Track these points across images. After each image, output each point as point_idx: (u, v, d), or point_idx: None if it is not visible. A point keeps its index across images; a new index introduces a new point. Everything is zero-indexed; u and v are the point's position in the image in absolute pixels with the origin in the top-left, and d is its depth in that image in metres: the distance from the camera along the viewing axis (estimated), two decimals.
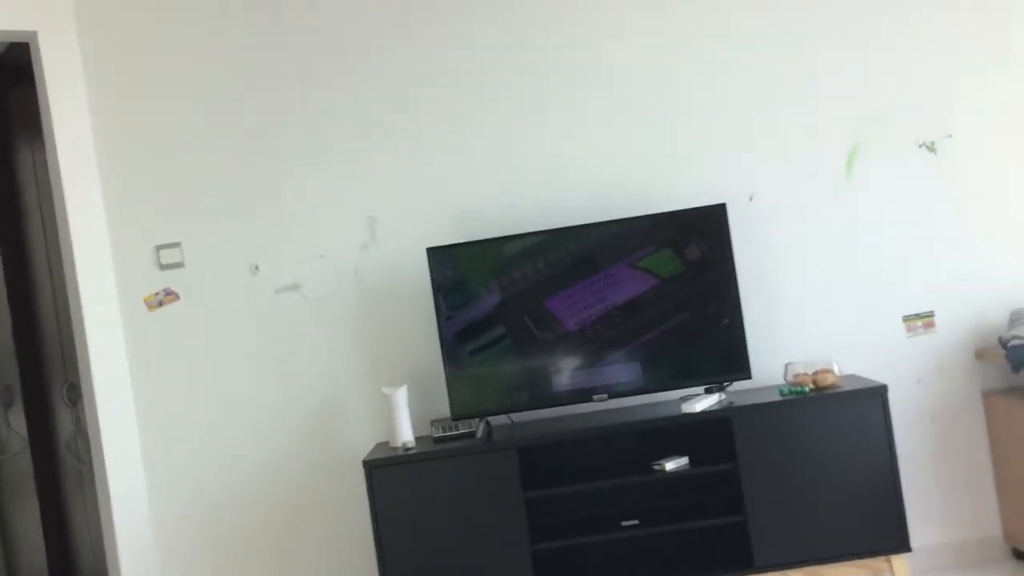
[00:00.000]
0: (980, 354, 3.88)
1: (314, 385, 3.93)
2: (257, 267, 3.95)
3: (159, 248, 3.95)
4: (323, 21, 3.94)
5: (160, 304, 3.96)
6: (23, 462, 4.68)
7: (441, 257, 3.71)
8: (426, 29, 3.93)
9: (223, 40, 3.95)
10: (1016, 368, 3.63)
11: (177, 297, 3.96)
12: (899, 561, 3.50)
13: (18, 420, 4.64)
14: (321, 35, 3.94)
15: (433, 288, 3.71)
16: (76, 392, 4.11)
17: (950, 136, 3.91)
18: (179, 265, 3.95)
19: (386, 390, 3.71)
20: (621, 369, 3.71)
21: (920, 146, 3.91)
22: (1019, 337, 3.65)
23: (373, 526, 3.50)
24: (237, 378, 3.95)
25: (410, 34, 3.94)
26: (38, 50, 3.86)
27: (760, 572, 3.49)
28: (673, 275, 3.71)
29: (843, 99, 3.90)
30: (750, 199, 3.90)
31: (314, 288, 3.94)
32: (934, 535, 3.87)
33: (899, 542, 3.49)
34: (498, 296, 3.73)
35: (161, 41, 3.95)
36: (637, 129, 3.92)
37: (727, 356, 3.67)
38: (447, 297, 3.71)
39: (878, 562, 3.51)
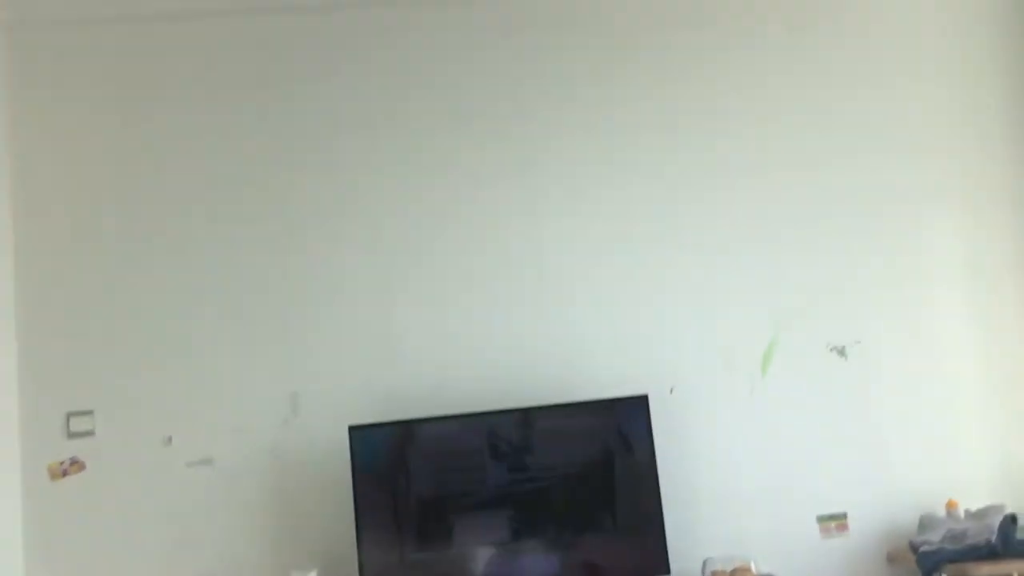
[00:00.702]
0: (892, 558, 3.91)
1: (222, 566, 3.76)
2: (171, 438, 3.85)
3: (70, 415, 3.85)
4: (254, 181, 4.03)
5: (64, 473, 3.81)
6: None
7: (362, 435, 3.67)
8: (356, 203, 4.03)
9: (147, 205, 4.00)
10: (927, 574, 3.66)
11: (83, 467, 3.82)
12: None
13: None
14: (255, 201, 4.02)
15: (352, 467, 3.65)
16: None
17: (859, 342, 4.08)
18: (89, 433, 3.84)
19: (295, 575, 3.57)
20: (539, 560, 3.64)
21: (831, 350, 4.07)
22: (929, 543, 3.70)
23: None
24: (137, 558, 3.78)
25: (342, 201, 4.03)
26: None
27: None
28: (595, 462, 3.72)
29: (759, 299, 4.06)
30: (671, 391, 3.97)
31: (228, 463, 3.84)
32: None
33: None
34: (419, 477, 3.68)
35: (84, 196, 3.99)
36: (563, 316, 4.01)
37: (646, 549, 3.64)
38: (366, 477, 3.64)
39: None
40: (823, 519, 3.95)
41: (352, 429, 3.68)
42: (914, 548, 3.75)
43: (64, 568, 3.75)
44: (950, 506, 3.86)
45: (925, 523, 3.86)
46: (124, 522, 3.79)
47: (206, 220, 4.00)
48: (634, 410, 3.74)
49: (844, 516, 3.96)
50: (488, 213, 4.07)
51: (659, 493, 3.68)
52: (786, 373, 4.03)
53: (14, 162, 3.97)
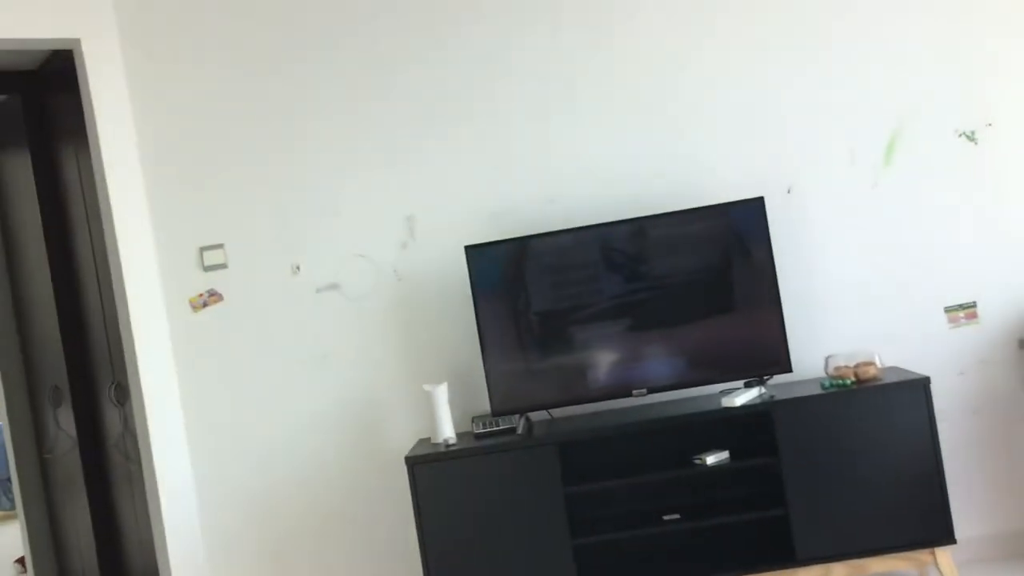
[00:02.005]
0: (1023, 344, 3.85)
1: (355, 383, 3.98)
2: (298, 267, 4.00)
3: (203, 250, 4.02)
4: (358, 25, 3.98)
5: (204, 305, 4.03)
6: (72, 460, 4.77)
7: (479, 255, 3.74)
8: (456, 30, 3.96)
9: (263, 45, 4.01)
10: None
11: (221, 298, 4.02)
12: (943, 553, 3.48)
13: (67, 420, 4.74)
14: (358, 36, 3.98)
15: (472, 285, 3.74)
16: (123, 392, 4.18)
17: (990, 125, 3.86)
18: (223, 266, 4.02)
19: (427, 387, 3.75)
20: (660, 364, 3.72)
21: (960, 135, 3.88)
22: None
23: (416, 521, 3.54)
24: (280, 377, 4.01)
25: (442, 34, 3.96)
26: (81, 57, 3.94)
27: (802, 565, 3.49)
28: (712, 268, 3.72)
29: (881, 88, 3.87)
30: (788, 192, 3.88)
31: (354, 287, 3.99)
32: (978, 527, 3.84)
33: (943, 534, 3.47)
34: (536, 292, 3.75)
35: (202, 45, 4.02)
36: (673, 123, 3.92)
37: (767, 350, 3.67)
38: (486, 294, 3.74)
39: (922, 554, 3.49)
40: (951, 309, 3.88)
41: (468, 248, 3.74)
42: None
43: (213, 391, 4.02)
44: None
45: None
46: (264, 347, 4.01)
47: (320, 46, 3.98)
48: (750, 213, 3.67)
49: (973, 304, 3.87)
50: (590, 30, 3.93)
51: (778, 294, 3.66)
52: (912, 163, 3.87)
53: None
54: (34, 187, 4.46)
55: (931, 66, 3.87)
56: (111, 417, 4.47)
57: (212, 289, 4.03)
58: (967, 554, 3.75)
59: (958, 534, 3.54)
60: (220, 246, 4.02)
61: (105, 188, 3.95)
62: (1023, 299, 3.86)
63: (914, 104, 3.87)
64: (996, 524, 3.85)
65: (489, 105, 3.96)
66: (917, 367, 3.77)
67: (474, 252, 3.74)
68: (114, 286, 4.01)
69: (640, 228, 3.72)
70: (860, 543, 3.48)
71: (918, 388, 3.49)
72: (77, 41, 3.93)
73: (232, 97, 4.02)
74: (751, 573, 3.51)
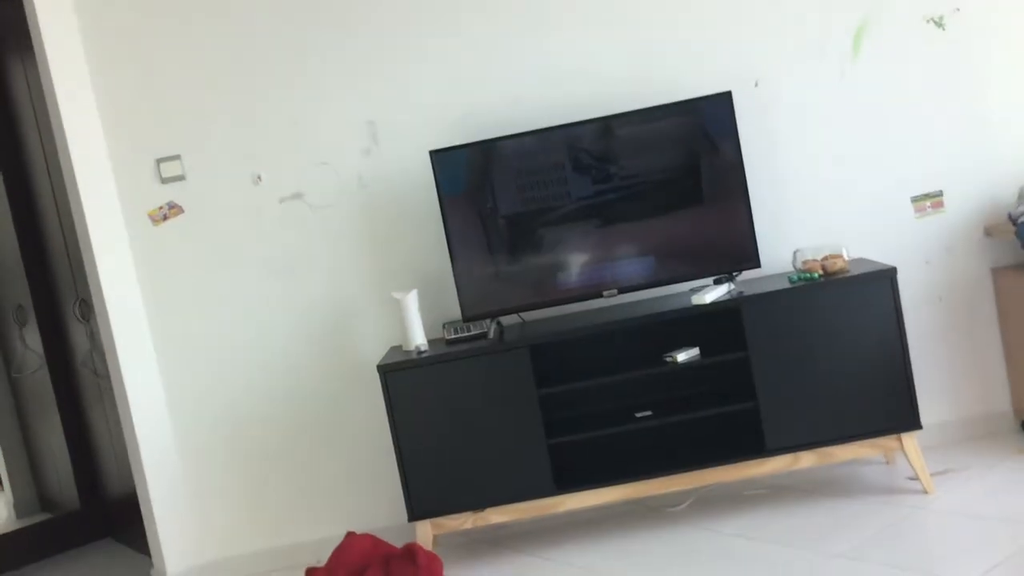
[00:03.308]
0: (989, 231, 3.87)
1: (324, 292, 3.94)
2: (259, 177, 3.92)
3: (159, 161, 3.92)
4: None
5: (165, 218, 3.95)
6: (42, 379, 4.75)
7: (444, 159, 3.68)
8: None
9: None
10: None
11: (181, 210, 3.94)
12: (909, 439, 3.56)
13: (33, 338, 4.70)
14: None
15: (438, 190, 3.69)
16: (88, 308, 4.14)
17: (958, 9, 3.81)
18: (180, 178, 3.93)
19: (396, 295, 3.73)
20: (630, 264, 3.71)
21: (928, 21, 3.83)
22: None
23: (391, 429, 3.56)
24: (247, 289, 3.96)
25: None
26: None
27: (772, 455, 3.56)
28: (679, 165, 3.68)
29: None
30: (755, 85, 3.83)
31: (318, 196, 3.92)
32: (944, 412, 3.92)
33: (909, 420, 3.54)
34: (504, 195, 3.71)
35: None
36: (635, 19, 3.83)
37: (736, 245, 3.67)
38: (453, 199, 3.69)
39: (889, 440, 3.56)
40: (918, 199, 3.89)
41: (433, 153, 3.68)
42: (1013, 219, 3.71)
43: (179, 305, 3.97)
44: None
45: None
46: (228, 259, 3.95)
47: None
48: (717, 108, 3.62)
49: (940, 194, 3.88)
50: None
51: (746, 189, 3.64)
52: (879, 52, 3.83)
53: None
54: None
55: None
56: (78, 334, 4.44)
57: (172, 201, 3.94)
58: (933, 438, 3.82)
59: (924, 419, 3.61)
60: (177, 157, 3.92)
61: (54, 99, 3.82)
62: (989, 187, 3.88)
63: None
64: (961, 408, 3.94)
65: (451, 7, 3.85)
66: (884, 257, 3.79)
67: (439, 156, 3.68)
68: (71, 202, 3.92)
69: (607, 127, 3.67)
70: (828, 432, 3.55)
71: (884, 279, 3.51)
72: None
73: (183, 4, 3.87)
74: (722, 464, 3.57)
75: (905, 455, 3.57)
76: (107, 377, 4.05)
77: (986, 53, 3.83)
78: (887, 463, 3.86)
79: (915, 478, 3.57)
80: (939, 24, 3.83)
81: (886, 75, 3.84)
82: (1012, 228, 3.69)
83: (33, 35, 3.83)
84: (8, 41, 4.21)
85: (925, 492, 3.53)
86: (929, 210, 3.90)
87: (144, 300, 3.97)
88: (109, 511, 4.67)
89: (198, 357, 3.98)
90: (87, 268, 3.95)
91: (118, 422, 4.06)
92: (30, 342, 4.74)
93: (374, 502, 3.96)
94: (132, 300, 3.95)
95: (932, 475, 3.58)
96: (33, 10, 3.78)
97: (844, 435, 3.55)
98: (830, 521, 3.47)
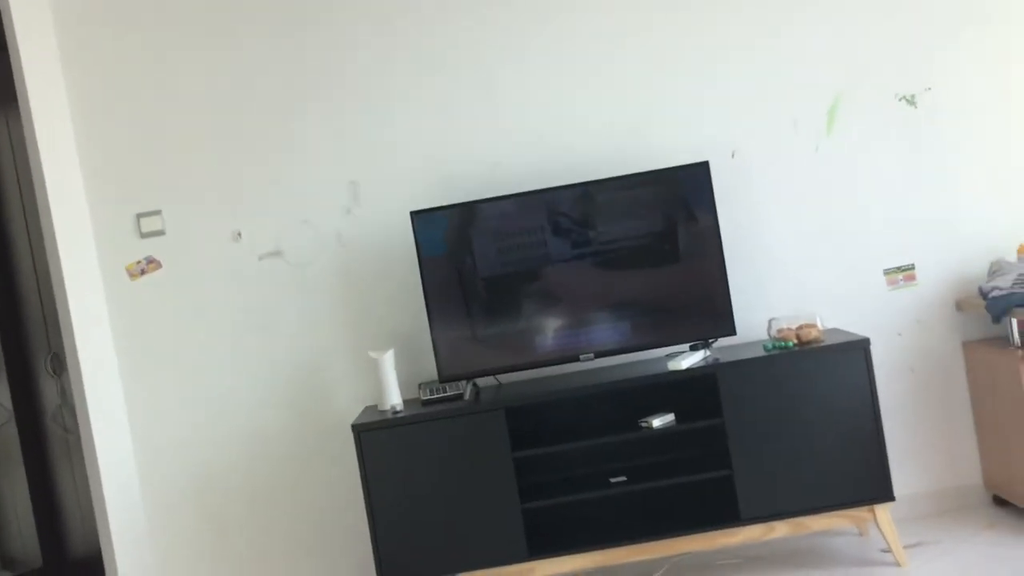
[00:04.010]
0: (960, 305, 3.92)
1: (300, 351, 3.93)
2: (239, 234, 3.93)
3: (140, 216, 3.93)
4: None
5: (142, 272, 3.94)
6: (8, 433, 4.67)
7: (425, 220, 3.70)
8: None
9: (200, 4, 3.90)
10: (996, 319, 3.68)
11: (159, 265, 3.94)
12: (882, 510, 3.56)
13: (2, 391, 4.63)
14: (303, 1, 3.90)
15: (417, 251, 3.70)
16: (60, 362, 4.10)
17: (929, 89, 3.92)
18: (160, 233, 3.93)
19: (373, 354, 3.71)
20: (607, 329, 3.73)
21: (900, 99, 3.92)
22: (999, 288, 3.69)
23: (364, 489, 3.52)
24: (222, 346, 3.94)
25: (387, 2, 3.90)
26: (10, 16, 3.79)
27: (746, 524, 3.54)
28: (658, 232, 3.73)
29: (822, 54, 3.90)
30: (732, 156, 3.90)
31: (298, 254, 3.93)
32: (916, 484, 3.93)
33: (882, 492, 3.54)
34: (483, 257, 3.73)
35: (136, 4, 3.89)
36: (618, 90, 3.91)
37: (712, 313, 3.70)
38: (431, 260, 3.71)
39: (862, 512, 3.56)
40: (890, 271, 3.95)
41: (414, 214, 3.70)
42: (984, 294, 3.76)
43: (153, 360, 3.94)
44: (1021, 251, 3.81)
45: (995, 269, 3.84)
46: (205, 314, 3.93)
47: (259, 7, 3.89)
48: (695, 177, 3.68)
49: (912, 267, 3.94)
50: None
51: (723, 258, 3.68)
52: (853, 128, 3.92)
53: None
54: None
55: (872, 29, 3.90)
56: (48, 388, 4.38)
57: (150, 256, 3.94)
58: (905, 511, 3.83)
59: (896, 491, 3.62)
60: (158, 212, 3.93)
61: (36, 153, 3.82)
62: (960, 262, 3.94)
63: (855, 68, 3.91)
64: (933, 480, 3.95)
65: (434, 71, 3.91)
66: (857, 328, 3.83)
67: (420, 217, 3.71)
68: (48, 253, 3.90)
69: (586, 192, 3.71)
70: (802, 502, 3.54)
71: (858, 349, 3.54)
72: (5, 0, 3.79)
73: (167, 60, 3.91)
74: (696, 532, 3.55)
75: (878, 527, 3.57)
76: (76, 433, 3.99)
77: (957, 130, 3.93)
78: (860, 534, 3.85)
79: (888, 550, 3.57)
80: (911, 102, 3.93)
81: (859, 150, 3.92)
82: (982, 302, 3.75)
83: (18, 87, 3.85)
84: None
85: (898, 565, 3.53)
86: (902, 283, 3.96)
87: (118, 355, 3.94)
88: (72, 570, 4.57)
89: (170, 414, 3.94)
90: (61, 321, 3.92)
91: (85, 479, 3.99)
92: None
93: (344, 565, 3.91)
94: (105, 355, 3.92)
95: (905, 548, 3.57)
96: (19, 63, 3.80)
97: (818, 505, 3.54)
98: None
